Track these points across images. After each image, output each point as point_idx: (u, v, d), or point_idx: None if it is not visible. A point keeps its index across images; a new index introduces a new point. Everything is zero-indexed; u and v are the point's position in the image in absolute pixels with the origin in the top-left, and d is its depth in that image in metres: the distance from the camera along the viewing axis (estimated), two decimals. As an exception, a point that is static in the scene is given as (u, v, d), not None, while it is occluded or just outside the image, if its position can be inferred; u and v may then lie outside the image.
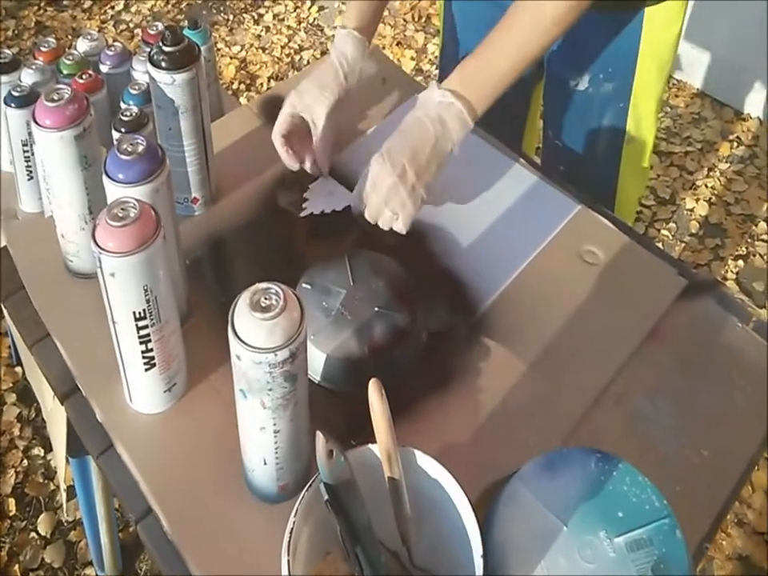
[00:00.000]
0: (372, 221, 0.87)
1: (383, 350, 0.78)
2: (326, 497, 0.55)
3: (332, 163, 1.01)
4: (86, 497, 1.27)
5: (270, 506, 0.69)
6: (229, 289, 0.86)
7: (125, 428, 0.76)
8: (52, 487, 1.58)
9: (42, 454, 1.63)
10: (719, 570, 1.48)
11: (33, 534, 1.51)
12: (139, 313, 0.66)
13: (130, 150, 0.70)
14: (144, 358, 0.70)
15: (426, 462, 0.61)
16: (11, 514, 1.54)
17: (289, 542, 0.54)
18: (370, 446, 0.59)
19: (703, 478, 0.75)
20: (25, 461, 1.62)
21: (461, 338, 0.84)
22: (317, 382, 0.79)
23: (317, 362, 0.78)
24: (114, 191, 0.69)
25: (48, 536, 1.51)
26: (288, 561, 0.53)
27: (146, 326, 0.67)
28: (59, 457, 1.26)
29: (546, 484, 0.65)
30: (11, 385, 1.74)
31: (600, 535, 0.61)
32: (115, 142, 0.72)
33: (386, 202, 0.85)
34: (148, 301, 0.66)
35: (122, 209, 0.63)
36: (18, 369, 1.74)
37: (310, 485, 0.58)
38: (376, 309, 0.80)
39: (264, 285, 0.59)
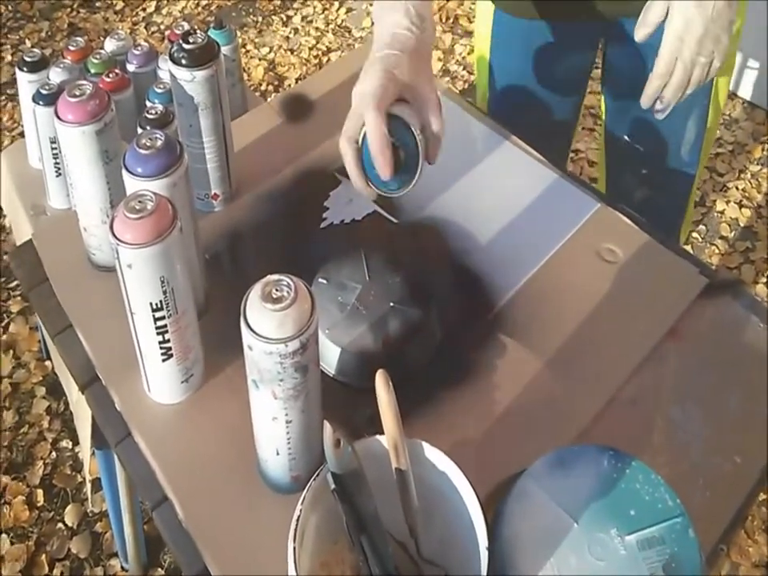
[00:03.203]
0: (680, 86, 0.85)
1: (398, 345, 0.78)
2: (333, 486, 0.55)
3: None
4: (110, 488, 1.29)
5: (282, 497, 0.70)
6: (247, 284, 0.87)
7: (143, 417, 0.77)
8: (79, 479, 1.61)
9: (70, 447, 1.66)
10: (745, 577, 1.46)
11: (60, 525, 1.55)
12: (156, 304, 0.68)
13: (148, 144, 0.71)
14: (161, 348, 0.71)
15: (434, 454, 0.61)
16: (39, 504, 1.58)
17: (295, 529, 0.55)
18: (377, 436, 0.60)
19: (720, 479, 0.74)
20: (53, 453, 1.66)
21: (476, 334, 0.84)
22: (331, 375, 0.79)
23: (331, 355, 0.78)
24: (132, 184, 0.71)
25: (75, 527, 1.55)
26: (294, 548, 0.54)
27: (163, 317, 0.69)
28: (84, 448, 1.29)
29: (557, 480, 0.64)
30: (41, 378, 1.78)
31: (611, 533, 0.61)
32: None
33: (698, 52, 0.83)
34: (165, 292, 0.67)
35: (140, 201, 0.64)
36: (48, 363, 1.78)
37: (318, 474, 0.58)
38: (391, 304, 0.80)
39: (275, 277, 0.59)
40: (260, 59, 2.70)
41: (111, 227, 0.64)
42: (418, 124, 0.72)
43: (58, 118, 0.77)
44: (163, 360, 0.73)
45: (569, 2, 1.05)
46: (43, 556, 1.50)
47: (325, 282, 0.82)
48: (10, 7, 2.90)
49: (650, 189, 1.18)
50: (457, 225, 0.95)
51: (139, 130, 0.97)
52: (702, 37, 0.84)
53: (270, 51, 2.75)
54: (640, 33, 0.88)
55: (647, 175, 1.19)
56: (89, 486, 1.53)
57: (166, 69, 1.20)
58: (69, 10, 2.91)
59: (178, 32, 1.27)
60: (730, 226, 2.12)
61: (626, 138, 1.18)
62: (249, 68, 2.64)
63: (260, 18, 2.91)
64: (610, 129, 1.20)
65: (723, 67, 1.04)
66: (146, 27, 2.85)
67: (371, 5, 3.00)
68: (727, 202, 2.17)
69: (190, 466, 0.74)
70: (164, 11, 2.92)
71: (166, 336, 0.70)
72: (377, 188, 0.75)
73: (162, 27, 2.84)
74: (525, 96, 1.19)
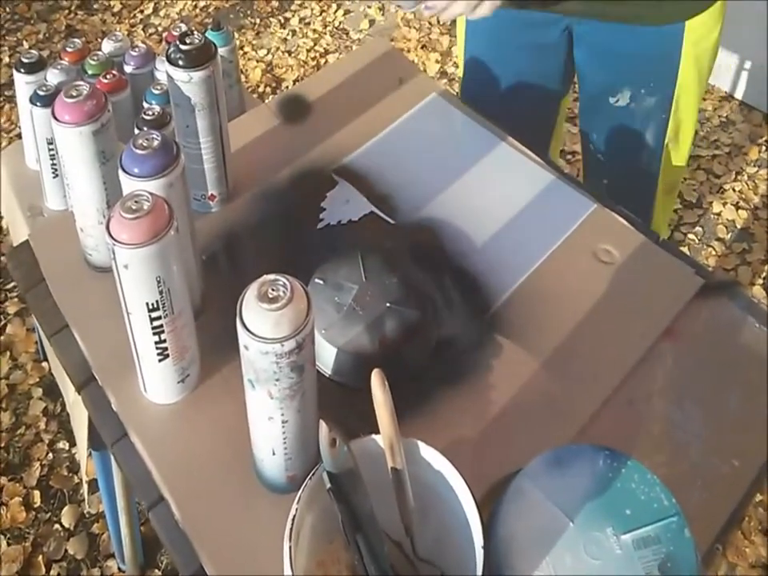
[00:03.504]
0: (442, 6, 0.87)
1: (394, 345, 0.79)
2: (329, 485, 0.55)
3: (347, 165, 1.02)
4: (107, 490, 1.29)
5: (278, 496, 0.70)
6: (243, 284, 0.87)
7: (139, 417, 0.77)
8: (76, 480, 1.61)
9: (67, 448, 1.66)
10: (742, 578, 1.46)
11: (57, 526, 1.55)
12: (152, 304, 0.68)
13: (145, 144, 0.72)
14: (157, 348, 0.71)
15: (430, 454, 0.61)
16: (36, 505, 1.58)
17: (291, 528, 0.55)
18: (373, 436, 0.60)
19: (716, 479, 0.74)
20: (50, 454, 1.65)
21: (473, 334, 0.84)
22: (327, 375, 0.79)
23: (328, 356, 0.78)
24: (129, 185, 0.71)
25: (71, 528, 1.54)
26: (290, 547, 0.54)
27: (159, 317, 0.69)
28: (81, 449, 1.29)
29: (553, 480, 0.65)
30: (38, 379, 1.77)
31: (607, 532, 0.61)
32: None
33: None
34: (161, 292, 0.67)
35: (136, 201, 0.64)
36: (45, 364, 1.78)
37: (314, 473, 0.58)
38: (387, 305, 0.80)
39: (272, 276, 0.60)
40: (258, 61, 2.70)
41: (107, 227, 0.64)
42: None
43: (55, 118, 0.77)
44: (159, 360, 0.73)
45: None
46: (40, 557, 1.50)
47: (321, 282, 0.82)
48: (7, 9, 2.90)
49: (613, 193, 1.20)
50: (453, 226, 0.95)
51: (136, 131, 0.98)
52: None
53: (267, 53, 2.75)
54: None
55: (610, 180, 1.21)
56: (85, 487, 1.53)
57: (163, 70, 1.19)
58: (66, 12, 2.91)
59: (175, 33, 1.27)
60: (726, 227, 2.13)
61: (591, 140, 1.20)
62: (246, 70, 2.64)
63: (258, 20, 2.91)
64: (583, 129, 1.22)
65: (683, 84, 1.06)
66: (143, 29, 2.85)
67: (369, 7, 3.00)
68: (724, 204, 2.18)
69: (187, 466, 0.74)
70: (161, 13, 2.92)
71: (163, 336, 0.70)
72: None
73: (160, 29, 2.84)
74: (494, 88, 1.21)
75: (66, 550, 1.51)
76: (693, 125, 1.15)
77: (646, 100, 1.09)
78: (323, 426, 0.54)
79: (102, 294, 0.83)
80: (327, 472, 0.55)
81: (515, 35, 1.14)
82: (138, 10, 2.94)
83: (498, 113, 1.11)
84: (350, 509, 0.55)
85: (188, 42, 0.83)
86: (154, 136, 0.72)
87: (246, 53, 2.73)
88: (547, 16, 1.09)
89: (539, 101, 1.24)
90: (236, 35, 2.73)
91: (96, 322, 0.84)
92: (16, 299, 1.93)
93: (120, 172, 0.72)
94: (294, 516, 0.56)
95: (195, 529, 0.70)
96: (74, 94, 0.77)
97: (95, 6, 2.95)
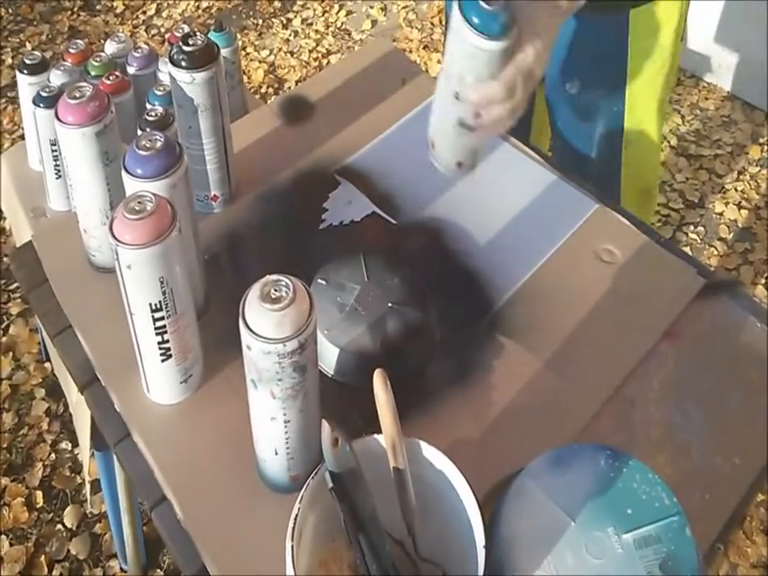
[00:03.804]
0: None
1: (396, 345, 0.79)
2: (331, 484, 0.55)
3: (350, 165, 1.02)
4: (110, 490, 1.29)
5: (281, 496, 0.70)
6: (246, 284, 0.87)
7: (142, 418, 0.77)
8: (79, 481, 1.61)
9: (70, 448, 1.66)
10: (743, 577, 1.46)
11: (59, 526, 1.55)
12: (155, 304, 0.68)
13: (148, 145, 0.72)
14: (160, 348, 0.72)
15: (432, 454, 0.61)
16: (39, 506, 1.58)
17: (293, 528, 0.55)
18: (375, 435, 0.60)
19: (717, 479, 0.75)
20: (53, 454, 1.66)
21: (475, 334, 0.84)
22: (330, 375, 0.80)
23: (330, 356, 0.79)
24: (132, 186, 0.71)
25: (74, 528, 1.55)
26: (292, 547, 0.54)
27: (162, 318, 0.69)
28: (84, 449, 1.29)
29: (555, 479, 0.65)
30: (41, 380, 1.78)
31: (608, 531, 0.61)
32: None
33: None
34: (164, 293, 0.68)
35: (139, 202, 0.65)
36: (48, 365, 1.78)
37: (316, 473, 0.59)
38: (390, 305, 0.80)
39: (274, 277, 0.60)
40: (260, 62, 2.70)
41: (111, 228, 0.65)
42: None
43: (58, 119, 0.78)
44: (162, 360, 0.73)
45: None
46: (42, 557, 1.50)
47: (324, 282, 0.82)
48: (10, 10, 2.90)
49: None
50: (455, 226, 0.96)
51: (139, 132, 0.98)
52: None
53: (270, 54, 2.75)
54: None
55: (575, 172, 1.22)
56: (88, 487, 1.53)
57: (166, 71, 1.20)
58: (69, 13, 2.91)
59: (178, 34, 1.28)
60: (728, 227, 2.12)
61: (554, 128, 1.21)
62: (249, 70, 2.64)
63: (260, 21, 2.91)
64: (550, 116, 1.22)
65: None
66: (146, 30, 2.85)
67: (371, 7, 3.00)
68: (726, 204, 2.17)
69: (189, 466, 0.74)
70: (164, 14, 2.92)
71: (165, 336, 0.71)
72: None
73: (163, 30, 2.84)
74: None
75: (68, 551, 1.51)
76: (656, 128, 1.14)
77: (596, 91, 1.09)
78: (326, 426, 0.54)
79: (105, 294, 0.83)
80: (329, 472, 0.56)
81: None
82: (141, 11, 2.94)
83: None
84: (352, 508, 0.56)
85: (191, 43, 0.83)
86: (157, 137, 0.73)
87: (248, 54, 2.73)
88: None
89: None
90: (238, 36, 2.73)
91: (99, 323, 0.84)
92: (19, 300, 1.93)
93: (123, 173, 0.73)
94: (297, 515, 0.57)
95: (198, 528, 0.70)
96: (77, 95, 0.78)
97: (98, 8, 2.95)
